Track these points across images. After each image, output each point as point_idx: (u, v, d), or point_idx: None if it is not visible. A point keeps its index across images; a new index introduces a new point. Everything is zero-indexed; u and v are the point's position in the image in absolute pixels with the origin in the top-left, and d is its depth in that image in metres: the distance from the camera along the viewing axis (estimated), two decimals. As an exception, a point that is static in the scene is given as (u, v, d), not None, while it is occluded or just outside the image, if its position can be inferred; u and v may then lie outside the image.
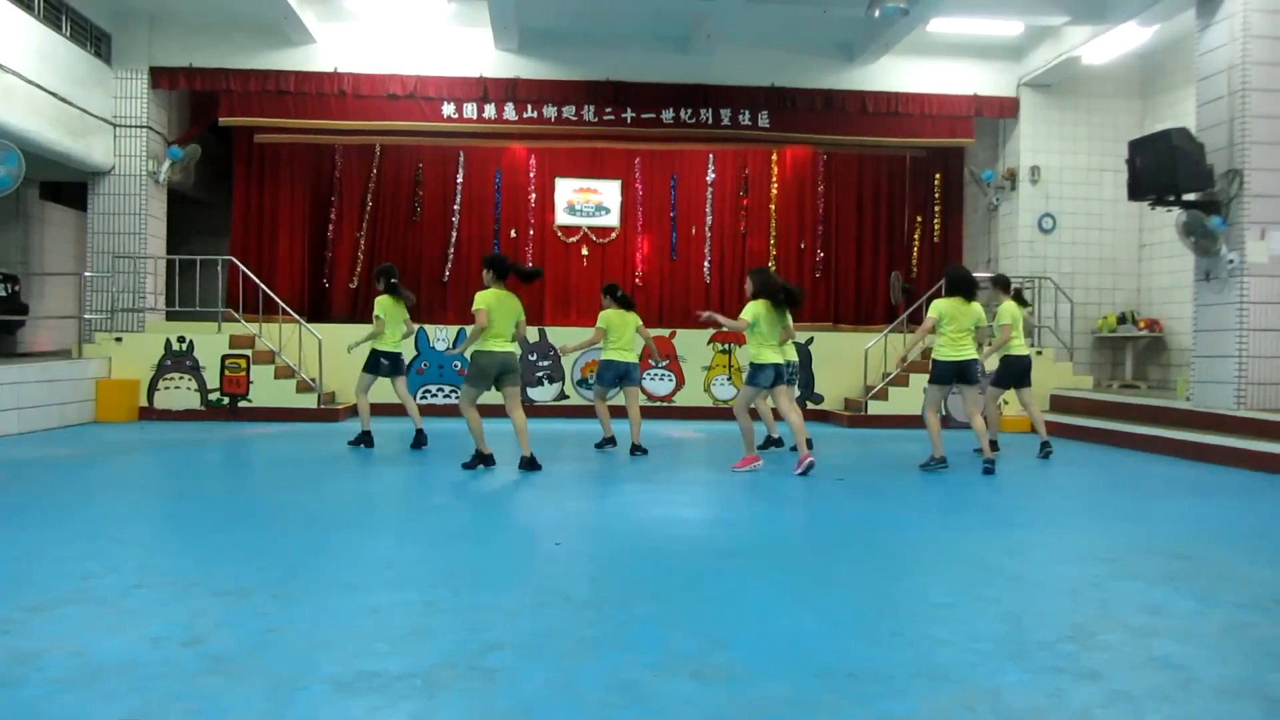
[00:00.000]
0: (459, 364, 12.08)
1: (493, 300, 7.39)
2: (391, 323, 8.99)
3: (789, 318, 7.93)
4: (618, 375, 8.88)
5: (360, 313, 13.37)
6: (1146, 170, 9.66)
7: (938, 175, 14.63)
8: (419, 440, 8.92)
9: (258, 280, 12.41)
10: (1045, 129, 13.64)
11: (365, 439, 8.98)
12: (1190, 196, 9.56)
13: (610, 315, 8.92)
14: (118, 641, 3.22)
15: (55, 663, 3.01)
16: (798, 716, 2.72)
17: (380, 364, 8.98)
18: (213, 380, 11.62)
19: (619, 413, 9.32)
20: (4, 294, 11.95)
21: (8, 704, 2.71)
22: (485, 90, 13.10)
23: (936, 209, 14.67)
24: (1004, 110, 13.73)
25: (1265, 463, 8.22)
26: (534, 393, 12.42)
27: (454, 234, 14.01)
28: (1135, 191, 9.95)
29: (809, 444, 7.70)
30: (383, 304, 8.97)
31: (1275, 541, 5.51)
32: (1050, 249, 13.61)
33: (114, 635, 3.29)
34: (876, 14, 10.62)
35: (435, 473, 7.46)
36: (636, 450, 8.73)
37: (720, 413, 12.23)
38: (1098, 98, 13.65)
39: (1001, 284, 9.56)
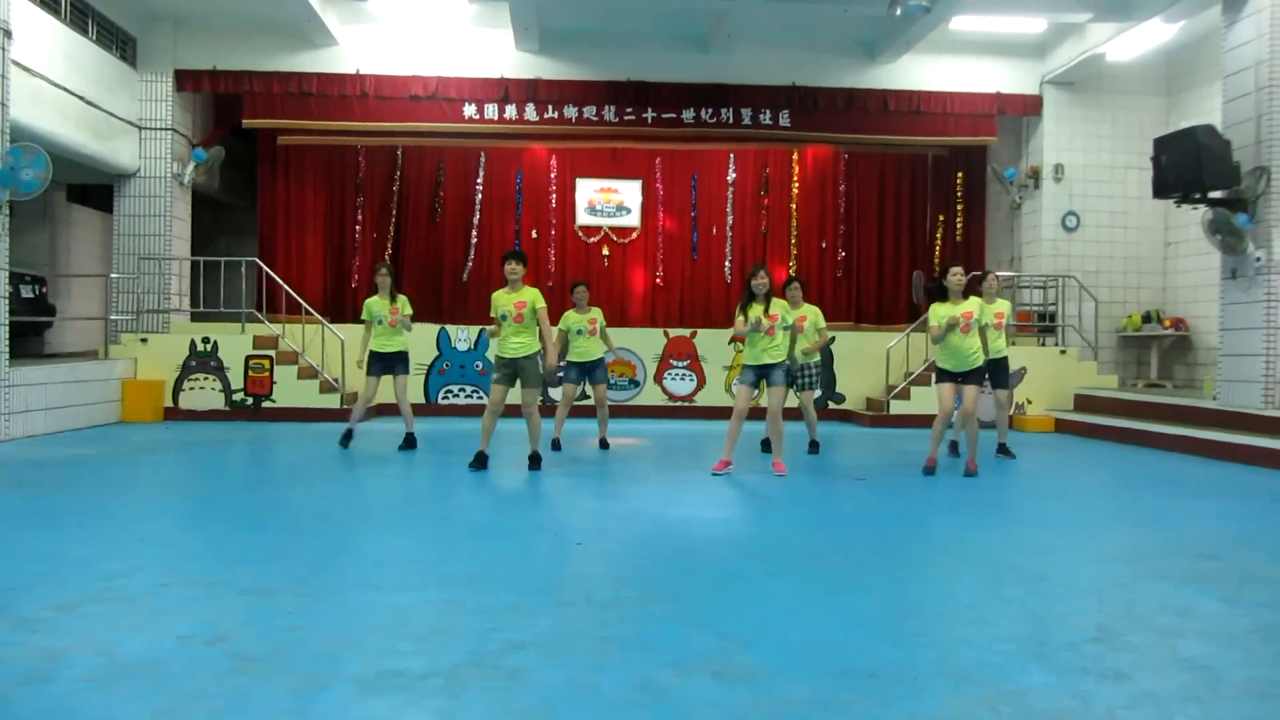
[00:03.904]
0: (480, 364, 12.15)
1: None
2: None
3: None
4: None
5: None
6: (1172, 167, 9.57)
7: (960, 174, 14.57)
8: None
9: (281, 281, 12.49)
10: (1069, 127, 13.54)
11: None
12: (1216, 194, 9.46)
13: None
14: (144, 640, 3.25)
15: (82, 661, 3.04)
16: (820, 717, 2.71)
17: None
18: (236, 381, 11.71)
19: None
20: (32, 295, 12.05)
21: (37, 701, 2.74)
22: (506, 91, 13.14)
23: (959, 208, 14.61)
24: (1027, 108, 13.64)
25: (1294, 463, 8.13)
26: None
27: (474, 235, 14.07)
28: (1160, 189, 9.85)
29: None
30: None
31: (1304, 542, 5.43)
32: (1074, 247, 13.51)
33: (140, 634, 3.32)
34: (898, 12, 10.57)
35: (453, 473, 7.48)
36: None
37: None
38: (1122, 95, 13.54)
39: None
